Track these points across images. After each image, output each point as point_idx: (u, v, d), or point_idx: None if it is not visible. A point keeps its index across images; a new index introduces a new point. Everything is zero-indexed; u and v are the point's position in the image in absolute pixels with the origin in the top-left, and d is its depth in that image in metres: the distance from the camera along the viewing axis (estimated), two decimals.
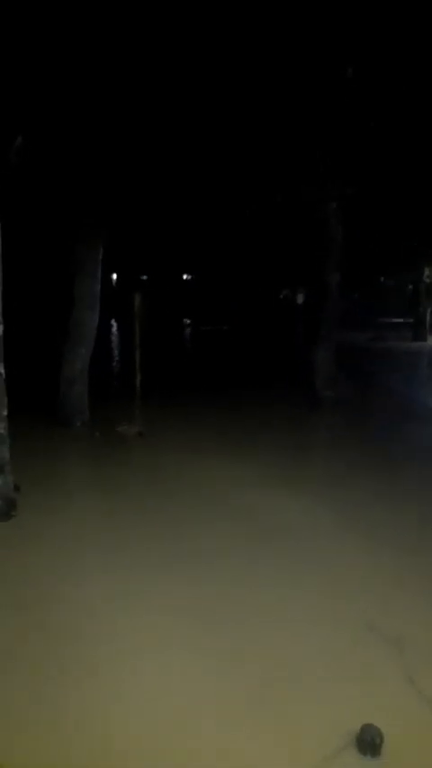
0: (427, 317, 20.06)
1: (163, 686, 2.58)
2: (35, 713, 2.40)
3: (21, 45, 4.58)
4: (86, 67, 5.51)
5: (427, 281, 19.72)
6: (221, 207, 12.54)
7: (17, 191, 5.49)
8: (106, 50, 5.52)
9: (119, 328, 19.85)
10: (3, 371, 4.45)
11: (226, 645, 2.89)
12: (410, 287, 22.71)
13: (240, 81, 6.64)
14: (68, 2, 5.03)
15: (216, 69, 6.29)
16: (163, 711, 2.43)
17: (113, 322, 20.23)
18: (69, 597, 3.32)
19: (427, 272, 19.58)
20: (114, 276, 28.60)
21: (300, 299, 32.62)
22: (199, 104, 6.81)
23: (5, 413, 4.47)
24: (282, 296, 33.67)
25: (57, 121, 6.07)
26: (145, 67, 5.90)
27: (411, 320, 20.46)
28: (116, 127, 6.46)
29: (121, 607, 3.22)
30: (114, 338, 18.31)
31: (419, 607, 3.28)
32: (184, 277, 32.71)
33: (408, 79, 7.17)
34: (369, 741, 2.24)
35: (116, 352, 14.97)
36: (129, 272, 26.77)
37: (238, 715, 2.42)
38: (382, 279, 23.22)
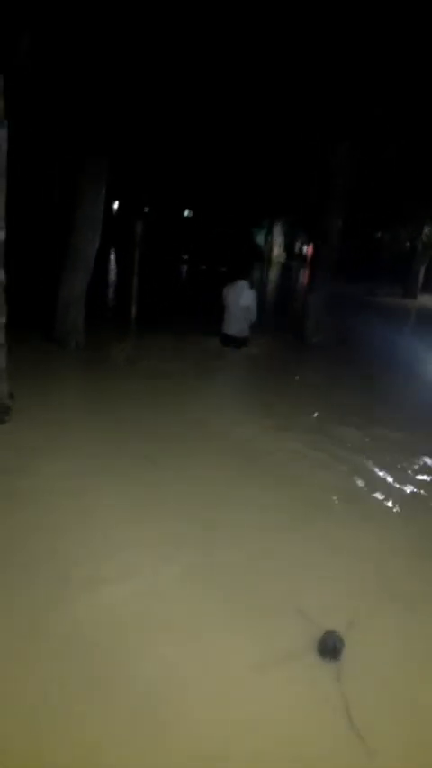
0: (420, 276, 20.22)
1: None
2: None
3: None
4: None
5: (425, 239, 19.68)
6: (227, 140, 12.22)
7: (24, 97, 5.43)
8: None
9: (117, 258, 19.70)
10: (3, 279, 4.52)
11: None
12: (408, 244, 22.69)
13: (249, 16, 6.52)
14: None
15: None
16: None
17: (112, 251, 20.03)
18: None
19: (426, 230, 19.51)
20: (116, 204, 28.10)
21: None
22: (206, 35, 6.70)
23: (4, 320, 4.60)
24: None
25: (63, 27, 5.97)
26: None
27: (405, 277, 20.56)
28: (123, 44, 6.36)
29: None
30: (113, 266, 18.19)
31: None
32: (186, 213, 32.21)
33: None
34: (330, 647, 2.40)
35: (114, 280, 14.93)
36: (131, 201, 26.35)
37: None
38: (378, 234, 23.11)
